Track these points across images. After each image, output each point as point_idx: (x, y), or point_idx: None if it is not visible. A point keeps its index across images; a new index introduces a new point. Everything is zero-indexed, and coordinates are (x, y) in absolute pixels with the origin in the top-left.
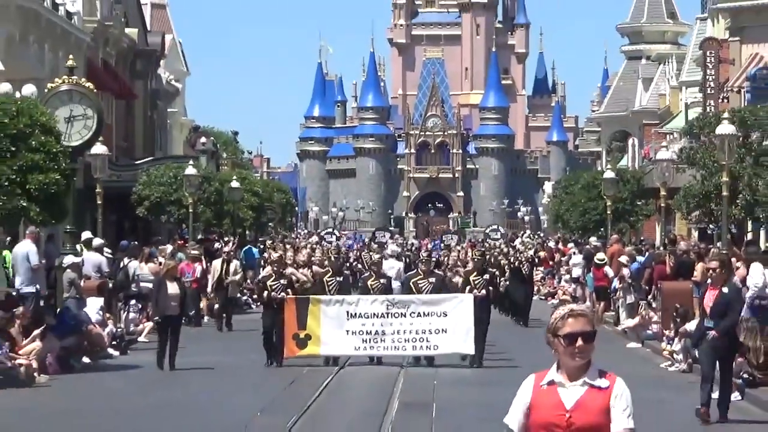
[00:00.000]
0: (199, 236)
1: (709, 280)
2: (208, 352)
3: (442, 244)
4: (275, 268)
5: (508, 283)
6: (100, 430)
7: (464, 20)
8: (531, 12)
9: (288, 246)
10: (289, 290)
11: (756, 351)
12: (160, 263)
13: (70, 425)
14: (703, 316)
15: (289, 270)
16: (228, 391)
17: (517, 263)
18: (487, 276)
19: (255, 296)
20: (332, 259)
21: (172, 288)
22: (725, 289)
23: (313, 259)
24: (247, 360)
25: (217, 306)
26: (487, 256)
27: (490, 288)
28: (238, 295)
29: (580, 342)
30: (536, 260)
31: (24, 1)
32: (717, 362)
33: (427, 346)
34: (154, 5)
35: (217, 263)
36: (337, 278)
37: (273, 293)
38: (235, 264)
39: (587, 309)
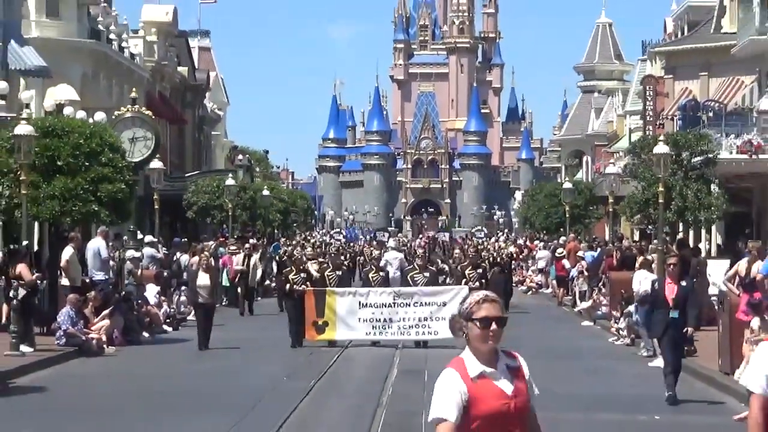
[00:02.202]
0: (237, 234)
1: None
2: (239, 329)
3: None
4: (296, 264)
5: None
6: (156, 390)
7: (451, 61)
8: (505, 54)
9: (301, 243)
10: (308, 283)
11: None
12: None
13: (133, 386)
14: (663, 307)
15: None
16: (257, 361)
17: (498, 258)
18: (480, 270)
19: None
20: (332, 255)
21: (203, 279)
22: (683, 283)
23: (306, 253)
24: (270, 337)
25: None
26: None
27: (483, 280)
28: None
29: (494, 326)
30: (515, 255)
31: (96, 46)
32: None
33: (428, 332)
34: (201, 48)
35: (239, 257)
36: (337, 272)
37: (295, 286)
38: (255, 258)
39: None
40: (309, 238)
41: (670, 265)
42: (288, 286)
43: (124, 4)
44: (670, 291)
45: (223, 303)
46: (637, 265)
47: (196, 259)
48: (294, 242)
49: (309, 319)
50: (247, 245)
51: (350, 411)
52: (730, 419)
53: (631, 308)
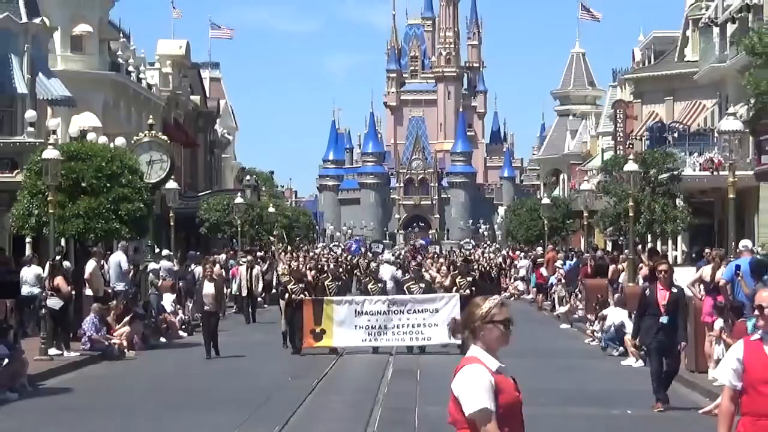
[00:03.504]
0: (246, 247)
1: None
2: (246, 335)
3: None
4: (294, 275)
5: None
6: (173, 389)
7: (439, 89)
8: (488, 82)
9: (296, 255)
10: (306, 293)
11: None
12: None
13: (152, 386)
14: (653, 314)
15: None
16: (264, 362)
17: (487, 267)
18: (470, 278)
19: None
20: (331, 266)
21: (208, 288)
22: (674, 289)
23: (302, 265)
24: (275, 342)
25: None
26: (470, 262)
27: (473, 288)
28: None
29: (510, 327)
30: (503, 266)
31: (116, 77)
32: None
33: (421, 338)
34: (212, 79)
35: (242, 269)
36: (336, 282)
37: (293, 295)
38: (257, 269)
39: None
40: (310, 251)
41: (662, 272)
42: (287, 295)
43: (142, 39)
44: (662, 297)
45: (233, 311)
46: (610, 273)
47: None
48: (293, 255)
49: (307, 327)
50: (249, 257)
51: (350, 407)
52: (696, 413)
53: (606, 311)
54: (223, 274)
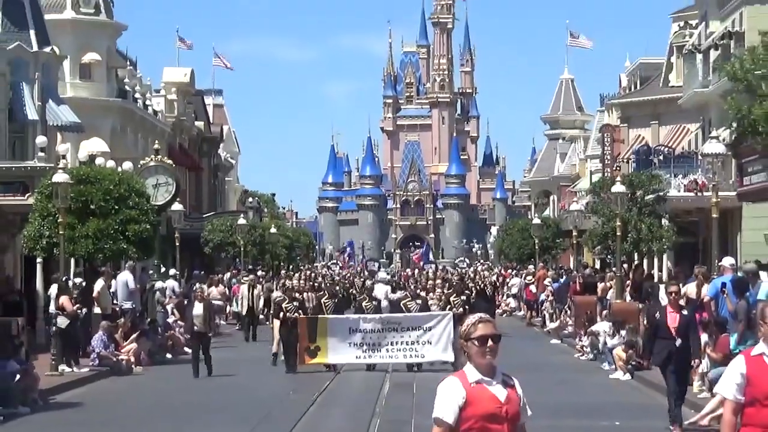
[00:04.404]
0: (249, 267)
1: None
2: (247, 352)
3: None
4: (288, 294)
5: (473, 301)
6: (179, 403)
7: (434, 114)
8: (481, 107)
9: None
10: (300, 311)
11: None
12: (226, 286)
13: (158, 400)
14: (666, 337)
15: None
16: (265, 378)
17: (482, 285)
18: (464, 297)
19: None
20: (328, 285)
21: (198, 309)
22: (685, 312)
23: (302, 284)
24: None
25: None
26: (465, 279)
27: (466, 306)
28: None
29: (490, 342)
30: (497, 284)
31: (123, 104)
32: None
33: (414, 355)
34: (216, 105)
35: (244, 288)
36: (333, 300)
37: (288, 314)
38: (258, 288)
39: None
40: (308, 271)
41: (672, 293)
42: (282, 314)
43: (148, 67)
44: (672, 320)
45: (237, 328)
46: (598, 291)
47: (220, 288)
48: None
49: (302, 344)
50: (250, 276)
51: (349, 419)
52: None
53: (595, 327)
54: (226, 292)
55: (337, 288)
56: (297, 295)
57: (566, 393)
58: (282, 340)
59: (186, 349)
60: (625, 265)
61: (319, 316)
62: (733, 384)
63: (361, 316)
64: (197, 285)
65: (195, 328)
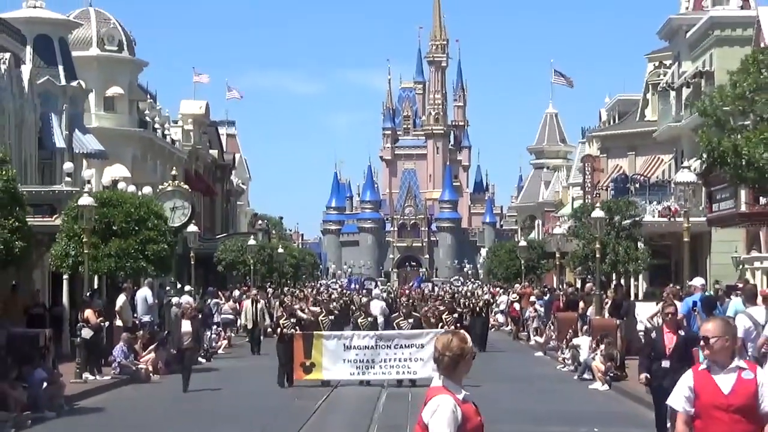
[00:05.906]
0: (258, 284)
1: (656, 320)
2: (254, 363)
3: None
4: (286, 311)
5: (469, 321)
6: (193, 409)
7: (429, 144)
8: (472, 138)
9: (296, 292)
10: (297, 327)
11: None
12: (238, 301)
13: (175, 407)
14: (663, 358)
15: (296, 306)
16: (271, 387)
17: (478, 305)
18: (456, 314)
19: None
20: (325, 302)
21: (186, 326)
22: (681, 332)
23: (302, 305)
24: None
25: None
26: (457, 297)
27: (458, 324)
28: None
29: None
30: (491, 302)
31: (144, 133)
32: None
33: (407, 372)
34: (229, 135)
35: (248, 303)
36: (330, 317)
37: (284, 330)
38: (261, 304)
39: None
40: (311, 289)
41: (668, 314)
42: (279, 330)
43: (166, 100)
44: (669, 340)
45: (247, 340)
46: (580, 308)
47: (230, 303)
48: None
49: (297, 360)
50: (254, 292)
51: (349, 425)
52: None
53: (576, 341)
54: (237, 307)
55: (333, 305)
56: (299, 311)
57: (548, 402)
58: (278, 355)
59: (200, 359)
60: (608, 286)
61: (315, 332)
62: (682, 397)
63: (355, 333)
64: (185, 302)
65: (183, 344)
